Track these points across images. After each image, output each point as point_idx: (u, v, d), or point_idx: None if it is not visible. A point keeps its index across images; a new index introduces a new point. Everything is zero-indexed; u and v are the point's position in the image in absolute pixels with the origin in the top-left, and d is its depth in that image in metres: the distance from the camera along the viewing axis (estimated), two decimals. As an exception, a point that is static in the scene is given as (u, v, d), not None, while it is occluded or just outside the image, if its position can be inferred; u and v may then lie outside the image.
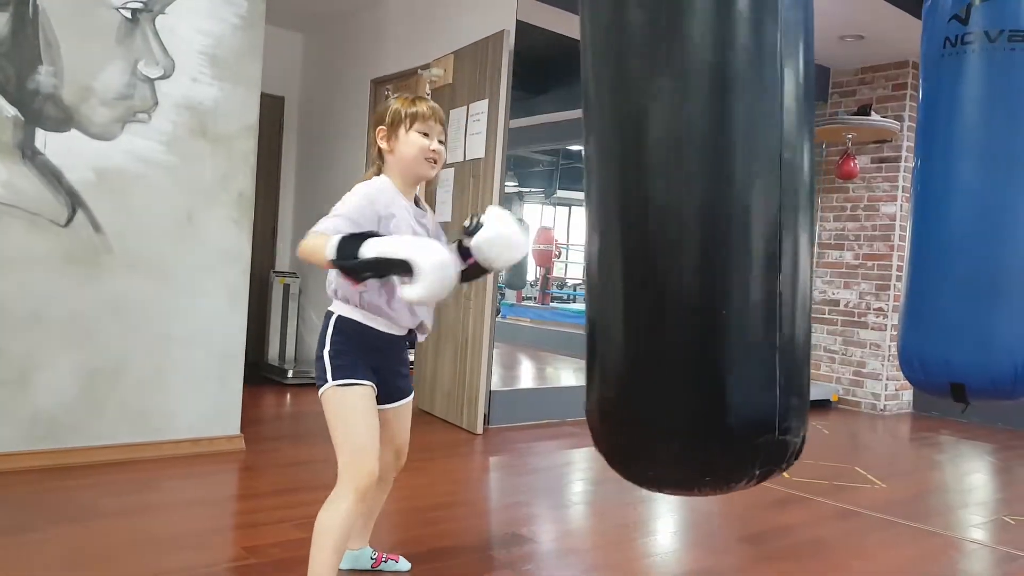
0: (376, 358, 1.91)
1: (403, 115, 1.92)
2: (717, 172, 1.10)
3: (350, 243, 1.64)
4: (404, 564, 2.26)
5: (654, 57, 1.12)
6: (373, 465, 1.83)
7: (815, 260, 6.09)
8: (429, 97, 2.12)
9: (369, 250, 1.62)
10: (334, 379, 1.84)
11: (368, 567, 2.21)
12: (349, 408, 1.84)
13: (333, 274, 1.85)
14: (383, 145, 1.96)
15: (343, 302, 1.89)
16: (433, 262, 1.59)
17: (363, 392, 1.86)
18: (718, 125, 1.10)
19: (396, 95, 2.04)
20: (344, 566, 2.14)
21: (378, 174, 1.97)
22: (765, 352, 1.12)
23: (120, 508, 2.66)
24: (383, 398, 1.96)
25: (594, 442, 1.31)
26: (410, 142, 1.92)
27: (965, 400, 2.01)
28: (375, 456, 1.84)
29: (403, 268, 1.60)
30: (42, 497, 2.73)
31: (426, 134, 1.93)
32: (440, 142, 1.97)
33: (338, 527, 1.79)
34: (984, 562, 2.76)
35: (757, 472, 1.19)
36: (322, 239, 1.68)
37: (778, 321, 1.12)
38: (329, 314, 1.92)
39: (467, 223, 1.96)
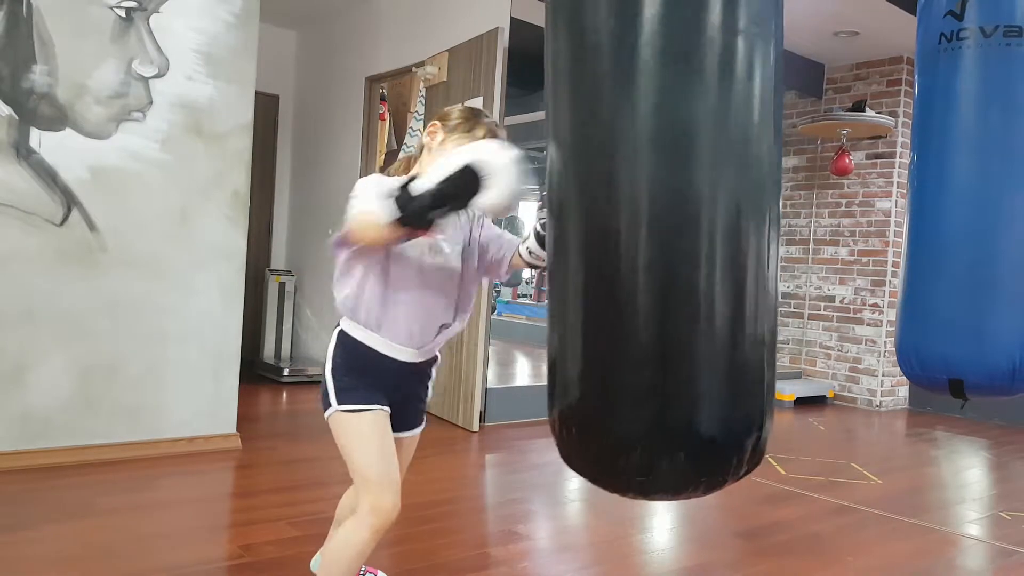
0: (381, 379, 1.72)
1: (464, 125, 1.74)
2: (681, 166, 1.08)
3: (398, 199, 1.44)
4: None
5: (624, 51, 1.08)
6: (393, 500, 1.66)
7: (810, 256, 6.10)
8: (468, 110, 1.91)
9: (422, 183, 1.42)
10: (339, 403, 1.67)
11: None
12: (361, 438, 1.67)
13: (344, 288, 1.70)
14: (429, 140, 1.76)
15: (347, 318, 1.72)
16: (500, 157, 1.40)
17: (373, 418, 1.67)
18: (686, 116, 1.07)
19: (465, 104, 1.88)
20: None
21: (407, 171, 1.76)
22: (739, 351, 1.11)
23: (115, 506, 2.65)
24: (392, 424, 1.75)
25: (563, 456, 1.24)
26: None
27: (963, 396, 2.01)
28: (395, 489, 1.67)
29: (469, 181, 1.40)
30: (36, 496, 2.72)
31: None
32: None
33: (350, 558, 1.67)
34: (979, 558, 2.77)
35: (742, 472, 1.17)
36: (367, 215, 1.50)
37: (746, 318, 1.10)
38: (336, 327, 1.75)
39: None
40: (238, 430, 3.50)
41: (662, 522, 2.97)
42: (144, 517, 2.59)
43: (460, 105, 1.85)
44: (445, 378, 4.40)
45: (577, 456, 1.21)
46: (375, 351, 1.70)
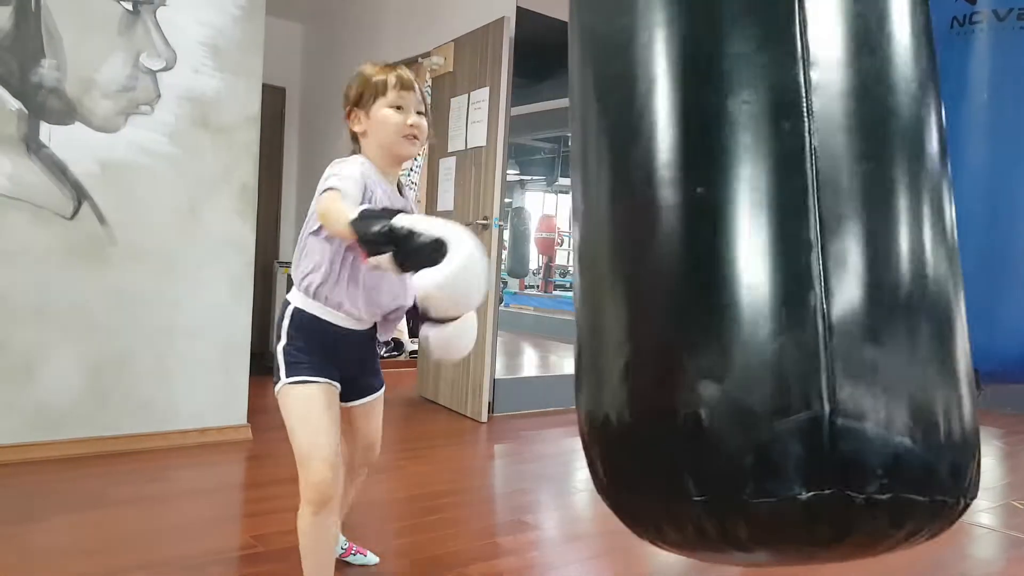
0: (337, 352, 1.72)
1: (366, 90, 1.71)
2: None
3: (373, 214, 1.42)
4: (372, 558, 2.18)
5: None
6: (323, 474, 1.63)
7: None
8: (426, 79, 1.83)
9: (400, 221, 1.35)
10: (287, 376, 1.66)
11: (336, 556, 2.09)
12: (298, 410, 1.66)
13: (305, 261, 1.71)
14: (356, 128, 1.75)
15: (302, 292, 1.71)
16: (469, 251, 1.31)
17: (314, 391, 1.66)
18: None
19: (360, 66, 1.79)
20: None
21: None
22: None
23: (127, 497, 2.67)
24: (349, 394, 1.80)
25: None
26: (381, 120, 1.69)
27: (978, 385, 2.00)
28: (325, 464, 1.64)
29: (430, 250, 1.31)
30: (49, 487, 2.74)
31: (399, 107, 1.69)
32: (419, 113, 1.71)
33: (306, 542, 1.70)
34: (992, 547, 2.76)
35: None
36: (342, 204, 1.49)
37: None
38: (285, 304, 1.74)
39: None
40: (248, 421, 3.52)
41: (672, 512, 2.97)
42: (156, 508, 2.61)
43: (354, 75, 1.78)
44: (453, 369, 4.41)
45: None
46: (333, 325, 1.69)
